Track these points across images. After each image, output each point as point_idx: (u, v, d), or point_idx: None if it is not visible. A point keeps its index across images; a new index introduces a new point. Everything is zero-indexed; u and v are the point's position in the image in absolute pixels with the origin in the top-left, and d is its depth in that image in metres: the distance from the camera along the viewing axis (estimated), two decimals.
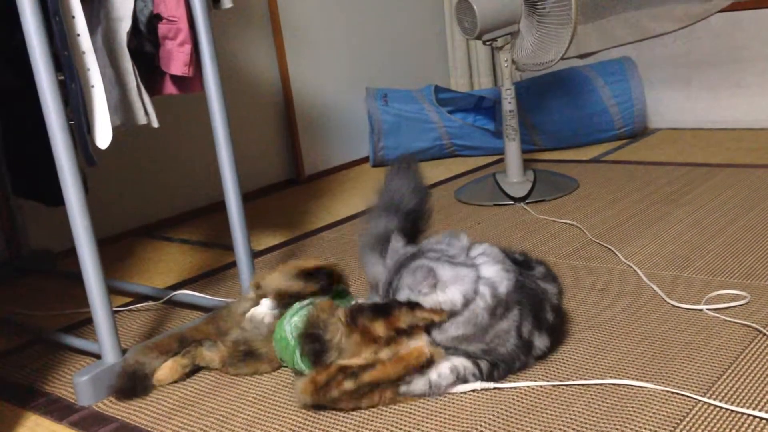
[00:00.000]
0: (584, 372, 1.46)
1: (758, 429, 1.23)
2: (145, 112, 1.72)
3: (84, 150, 1.56)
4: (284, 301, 1.62)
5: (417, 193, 1.67)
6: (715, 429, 1.24)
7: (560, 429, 1.29)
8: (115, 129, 1.64)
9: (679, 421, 1.27)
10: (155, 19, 1.68)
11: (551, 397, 1.39)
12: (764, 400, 1.30)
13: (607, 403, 1.35)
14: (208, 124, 1.80)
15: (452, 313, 1.39)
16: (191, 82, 1.77)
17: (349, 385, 1.38)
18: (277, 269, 1.66)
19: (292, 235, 2.60)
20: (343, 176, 3.39)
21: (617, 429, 1.27)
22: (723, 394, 1.33)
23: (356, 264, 1.70)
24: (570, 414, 1.33)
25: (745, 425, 1.24)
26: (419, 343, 1.40)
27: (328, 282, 1.62)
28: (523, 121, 3.23)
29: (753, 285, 1.75)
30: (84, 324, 2.00)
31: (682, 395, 1.34)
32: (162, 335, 1.72)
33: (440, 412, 1.38)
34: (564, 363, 1.50)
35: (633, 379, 1.41)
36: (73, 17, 1.53)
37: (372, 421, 1.38)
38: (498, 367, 1.44)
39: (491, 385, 1.43)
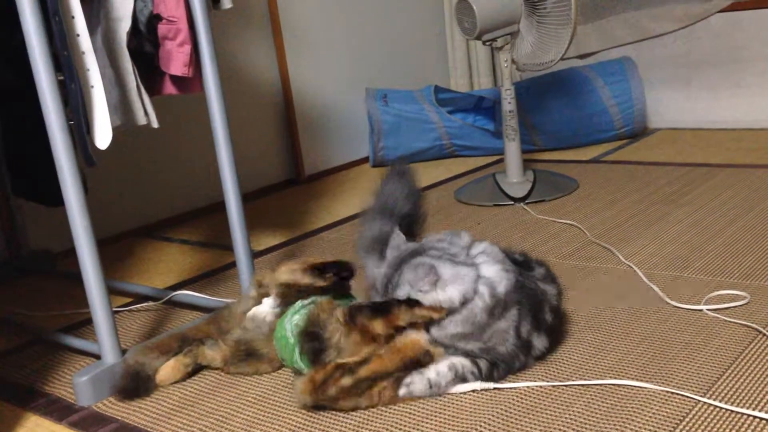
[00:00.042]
0: (584, 372, 1.46)
1: (758, 429, 1.23)
2: (145, 112, 1.72)
3: (83, 150, 1.56)
4: (290, 296, 1.60)
5: (411, 197, 1.67)
6: (715, 429, 1.24)
7: (560, 429, 1.29)
8: (114, 129, 1.64)
9: (679, 422, 1.27)
10: (155, 19, 1.68)
11: (551, 398, 1.39)
12: (764, 401, 1.30)
13: (607, 403, 1.35)
14: (208, 125, 1.80)
15: (450, 311, 1.39)
16: (191, 83, 1.77)
17: (346, 381, 1.38)
18: (284, 264, 1.64)
19: (292, 235, 2.60)
20: (343, 176, 3.39)
21: (617, 429, 1.27)
22: (723, 395, 1.33)
23: (356, 264, 1.71)
24: (570, 414, 1.33)
25: (745, 425, 1.24)
26: (415, 335, 1.40)
27: (348, 275, 1.60)
28: (523, 122, 3.23)
29: (753, 285, 1.75)
30: (84, 324, 2.00)
31: (682, 395, 1.34)
32: (162, 335, 1.72)
33: (440, 412, 1.38)
34: (564, 363, 1.50)
35: (633, 379, 1.41)
36: (73, 17, 1.53)
37: (372, 421, 1.38)
38: (498, 367, 1.44)
39: (491, 385, 1.43)
